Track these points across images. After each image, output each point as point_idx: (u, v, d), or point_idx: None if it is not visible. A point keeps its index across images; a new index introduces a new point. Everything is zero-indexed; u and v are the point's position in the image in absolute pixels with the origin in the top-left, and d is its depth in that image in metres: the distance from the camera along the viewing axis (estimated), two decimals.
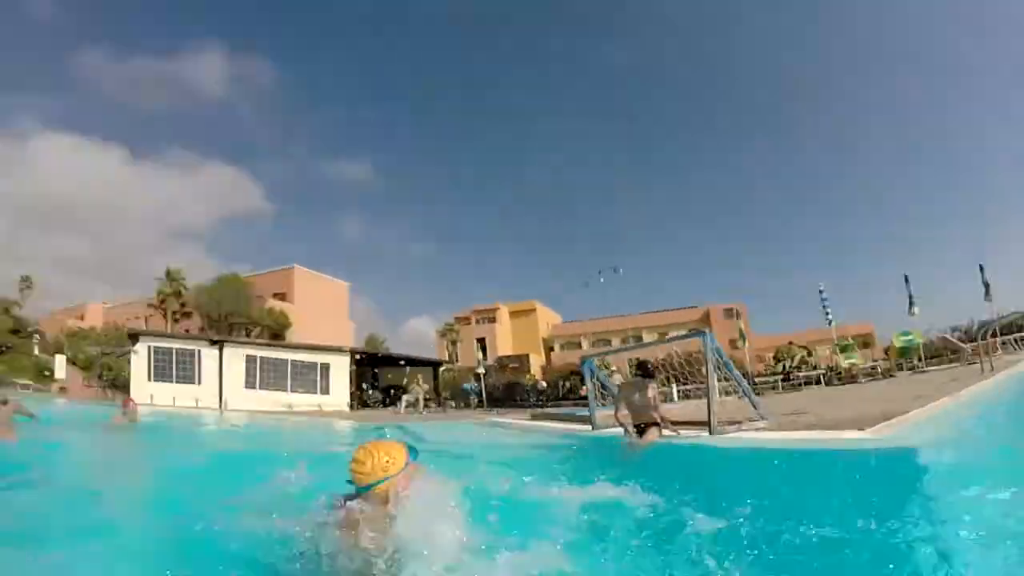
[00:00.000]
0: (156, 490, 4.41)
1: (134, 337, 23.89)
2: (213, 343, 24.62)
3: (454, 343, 52.89)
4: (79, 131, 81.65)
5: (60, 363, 29.01)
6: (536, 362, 48.83)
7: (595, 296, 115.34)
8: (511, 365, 44.67)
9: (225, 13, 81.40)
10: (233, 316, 39.63)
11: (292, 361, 26.34)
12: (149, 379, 22.95)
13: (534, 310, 56.98)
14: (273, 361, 25.75)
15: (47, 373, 29.11)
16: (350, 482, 2.28)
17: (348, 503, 2.27)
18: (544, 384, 29.63)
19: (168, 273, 41.86)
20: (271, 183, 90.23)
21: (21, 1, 61.82)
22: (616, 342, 50.00)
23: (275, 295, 43.97)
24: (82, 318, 50.30)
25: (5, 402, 7.30)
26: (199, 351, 24.13)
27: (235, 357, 24.57)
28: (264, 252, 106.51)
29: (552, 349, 55.64)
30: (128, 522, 3.16)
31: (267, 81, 76.87)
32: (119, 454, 7.72)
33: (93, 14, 72.86)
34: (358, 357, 29.47)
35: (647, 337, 46.80)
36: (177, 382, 23.44)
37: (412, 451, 2.42)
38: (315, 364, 27.09)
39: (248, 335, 37.61)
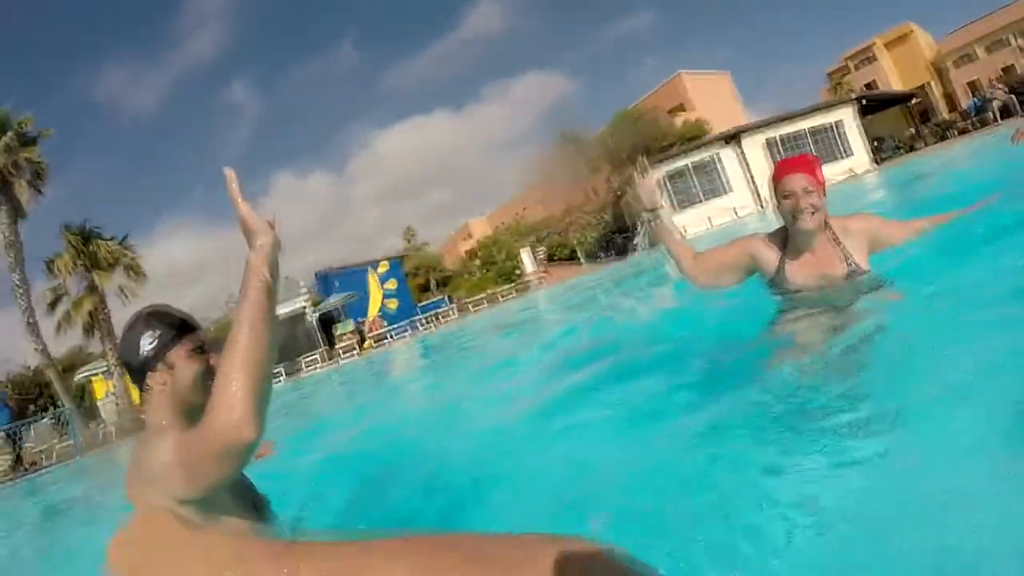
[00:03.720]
0: None
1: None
2: (728, 140, 23.25)
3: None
4: None
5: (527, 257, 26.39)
6: (937, 90, 42.65)
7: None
8: (915, 100, 33.53)
9: None
10: (649, 144, 38.95)
11: (809, 129, 23.43)
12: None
13: (911, 32, 45.50)
14: (792, 136, 23.30)
15: (517, 272, 26.60)
16: None
17: None
18: None
19: None
20: None
21: None
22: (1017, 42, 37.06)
23: (670, 111, 41.69)
24: (470, 236, 48.30)
25: None
26: (717, 155, 23.19)
27: (753, 147, 22.89)
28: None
29: (941, 72, 44.35)
30: None
31: None
32: None
33: None
34: (864, 103, 24.65)
35: None
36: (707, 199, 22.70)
37: None
38: (827, 126, 23.60)
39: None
